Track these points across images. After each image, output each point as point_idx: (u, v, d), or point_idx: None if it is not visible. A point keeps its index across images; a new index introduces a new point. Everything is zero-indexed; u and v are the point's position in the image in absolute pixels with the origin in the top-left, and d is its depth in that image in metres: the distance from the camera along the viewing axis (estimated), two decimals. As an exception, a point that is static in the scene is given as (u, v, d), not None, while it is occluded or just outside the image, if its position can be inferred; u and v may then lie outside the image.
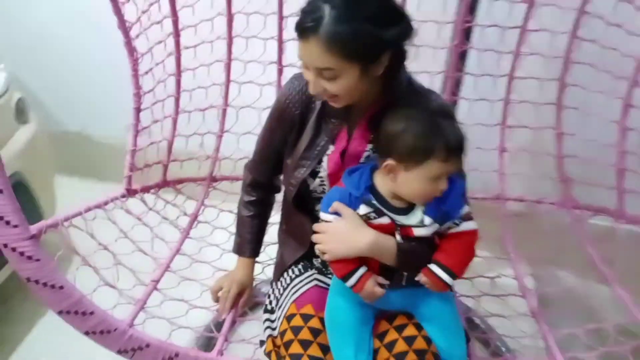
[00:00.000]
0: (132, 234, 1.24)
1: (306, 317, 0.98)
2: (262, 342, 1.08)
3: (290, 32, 1.41)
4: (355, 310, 0.95)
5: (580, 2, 1.32)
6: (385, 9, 0.84)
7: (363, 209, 0.89)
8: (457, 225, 0.90)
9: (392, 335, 0.96)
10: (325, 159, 1.00)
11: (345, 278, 0.91)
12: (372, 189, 0.90)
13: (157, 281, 1.22)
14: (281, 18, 1.40)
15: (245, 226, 1.17)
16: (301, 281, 1.06)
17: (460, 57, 1.44)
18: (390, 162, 0.86)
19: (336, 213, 0.91)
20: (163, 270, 1.25)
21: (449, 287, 0.91)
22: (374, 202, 0.89)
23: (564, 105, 1.46)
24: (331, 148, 0.99)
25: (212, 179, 1.52)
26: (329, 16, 0.80)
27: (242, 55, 1.45)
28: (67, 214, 1.10)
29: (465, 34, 1.40)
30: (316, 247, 0.93)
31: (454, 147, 0.84)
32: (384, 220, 0.89)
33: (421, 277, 0.91)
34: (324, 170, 1.00)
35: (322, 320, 0.99)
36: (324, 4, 0.81)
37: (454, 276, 0.89)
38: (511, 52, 1.42)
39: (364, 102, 0.94)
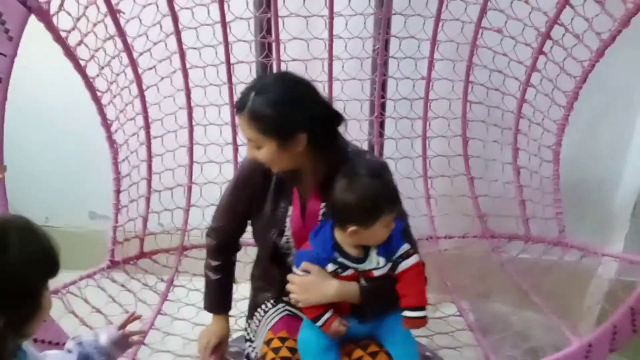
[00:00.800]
0: (119, 299, 1.42)
1: (283, 339, 1.18)
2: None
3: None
4: (324, 340, 1.13)
5: (465, 75, 1.69)
6: (302, 96, 1.05)
7: (331, 267, 1.08)
8: (401, 262, 1.08)
9: (358, 352, 1.14)
10: (288, 220, 1.17)
11: (314, 320, 1.11)
12: (335, 245, 1.08)
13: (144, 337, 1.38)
14: (233, 107, 1.70)
15: (214, 288, 1.29)
16: (274, 312, 1.25)
17: (380, 125, 1.77)
18: (353, 228, 1.03)
19: (305, 272, 1.10)
20: (149, 328, 1.41)
21: (426, 319, 1.08)
22: (339, 259, 1.08)
23: (470, 155, 1.79)
24: (291, 209, 1.17)
25: (184, 248, 1.73)
26: (252, 100, 1.02)
27: (202, 139, 1.73)
28: (65, 282, 1.27)
29: (382, 107, 1.74)
30: (291, 296, 1.12)
31: (395, 199, 1.06)
32: (349, 272, 1.08)
33: (404, 325, 1.09)
34: (289, 229, 1.17)
35: (296, 341, 1.17)
36: (251, 90, 1.04)
37: (423, 308, 1.07)
38: (420, 118, 1.76)
39: (309, 169, 1.12)
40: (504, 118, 1.68)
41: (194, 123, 1.69)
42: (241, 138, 1.75)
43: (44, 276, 0.75)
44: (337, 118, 1.09)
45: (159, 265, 1.65)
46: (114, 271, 1.48)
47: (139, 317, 1.12)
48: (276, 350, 1.17)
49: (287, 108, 1.03)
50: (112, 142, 1.41)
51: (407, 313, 1.08)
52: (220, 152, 1.74)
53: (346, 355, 1.16)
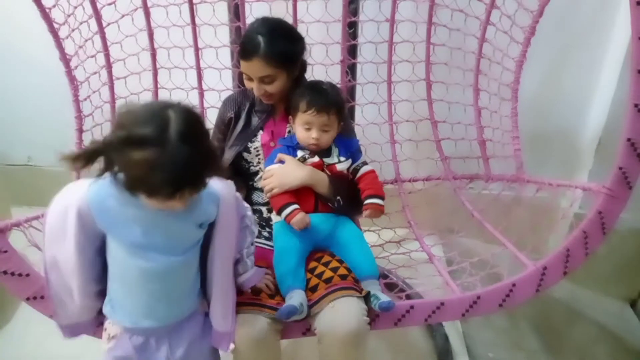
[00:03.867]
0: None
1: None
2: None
3: (206, 61, 1.71)
4: (295, 243, 1.24)
5: (427, 16, 1.71)
6: (292, 32, 1.32)
7: (299, 153, 1.29)
8: (360, 168, 1.33)
9: (320, 268, 1.23)
10: (258, 135, 1.38)
11: (281, 210, 1.22)
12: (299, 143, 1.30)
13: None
14: (197, 49, 1.68)
15: None
16: None
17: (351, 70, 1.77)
18: (290, 117, 1.31)
19: (280, 162, 1.28)
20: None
21: (383, 208, 1.28)
22: (305, 148, 1.28)
23: (433, 99, 1.82)
24: (261, 132, 1.38)
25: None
26: (263, 42, 1.23)
27: (167, 84, 1.71)
28: (28, 217, 1.26)
29: (348, 51, 1.75)
30: (266, 186, 1.26)
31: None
32: (315, 159, 1.29)
33: (365, 213, 1.26)
34: (258, 142, 1.37)
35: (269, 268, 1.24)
36: (257, 35, 1.24)
37: (383, 199, 1.28)
38: (385, 62, 1.78)
39: (282, 96, 1.33)
40: (465, 60, 1.71)
41: (157, 66, 1.68)
42: (207, 83, 1.74)
43: None
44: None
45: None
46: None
47: None
48: None
49: (295, 42, 1.30)
50: (71, 78, 1.39)
51: (370, 200, 1.27)
52: (186, 97, 1.73)
53: (308, 271, 1.24)
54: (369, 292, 1.19)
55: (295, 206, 1.23)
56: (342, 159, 1.31)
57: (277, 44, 1.24)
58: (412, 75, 1.79)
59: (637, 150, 1.13)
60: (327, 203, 1.28)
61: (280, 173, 1.26)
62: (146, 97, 1.68)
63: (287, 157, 1.28)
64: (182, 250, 0.98)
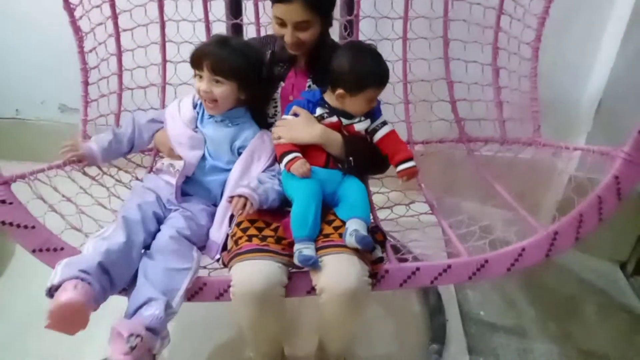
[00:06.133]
0: (91, 190, 1.41)
1: (252, 221, 1.24)
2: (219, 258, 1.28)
3: (214, 14, 1.65)
4: (310, 186, 1.23)
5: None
6: None
7: (319, 111, 1.27)
8: (380, 129, 1.29)
9: (327, 229, 1.22)
10: (279, 86, 1.37)
11: (282, 157, 1.23)
12: (323, 100, 1.28)
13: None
14: (206, 1, 1.63)
15: None
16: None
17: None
18: (340, 91, 1.23)
19: (295, 115, 1.27)
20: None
21: (417, 169, 1.27)
22: (327, 105, 1.27)
23: (450, 57, 1.75)
24: (282, 84, 1.38)
25: (158, 150, 1.70)
26: None
27: (175, 37, 1.67)
28: (33, 170, 1.26)
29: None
30: (275, 134, 1.26)
31: (384, 78, 1.25)
32: (334, 119, 1.27)
33: (401, 181, 1.26)
34: (278, 93, 1.38)
35: (265, 222, 1.24)
36: None
37: (412, 159, 1.27)
38: (401, 18, 1.71)
39: (307, 50, 1.32)
40: (485, 16, 1.63)
41: (165, 18, 1.63)
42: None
43: None
44: None
45: (133, 164, 1.64)
46: (86, 166, 1.46)
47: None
48: (245, 229, 1.19)
49: None
50: (76, 28, 1.36)
51: (402, 166, 1.26)
52: (194, 52, 1.68)
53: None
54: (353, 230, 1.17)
55: (297, 154, 1.23)
56: (361, 118, 1.28)
57: None
58: (428, 32, 1.72)
59: (661, 113, 1.07)
60: (338, 164, 1.27)
61: (292, 127, 1.26)
62: (153, 50, 1.64)
63: (302, 111, 1.27)
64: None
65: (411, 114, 1.80)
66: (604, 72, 1.72)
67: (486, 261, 1.24)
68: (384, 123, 1.30)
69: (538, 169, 1.49)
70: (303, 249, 1.14)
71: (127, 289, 1.14)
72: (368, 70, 1.21)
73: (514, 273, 1.25)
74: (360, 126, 1.28)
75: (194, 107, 1.38)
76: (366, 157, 1.28)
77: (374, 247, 1.21)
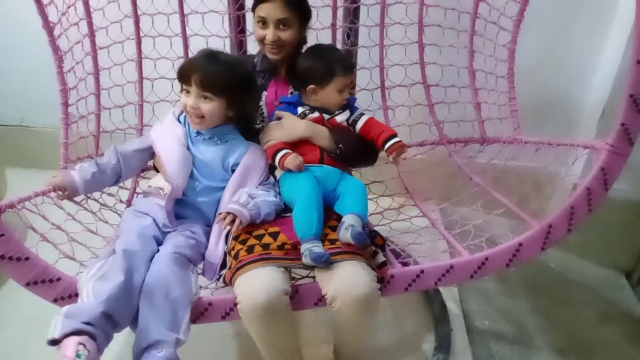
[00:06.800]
0: (78, 217, 1.35)
1: (250, 232, 1.22)
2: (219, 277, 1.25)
3: (192, 28, 1.62)
4: (308, 178, 1.24)
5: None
6: None
7: (300, 109, 1.34)
8: (359, 118, 1.37)
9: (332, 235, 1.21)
10: (262, 95, 1.42)
11: (274, 157, 1.26)
12: (301, 100, 1.36)
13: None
14: (183, 16, 1.60)
15: None
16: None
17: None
18: (311, 86, 1.31)
19: (279, 119, 1.33)
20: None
21: (403, 143, 1.32)
22: (306, 104, 1.34)
23: (426, 62, 1.79)
24: (264, 93, 1.42)
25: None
26: None
27: (151, 53, 1.62)
28: (20, 198, 1.18)
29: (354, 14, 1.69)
30: (261, 139, 1.30)
31: (347, 65, 1.33)
32: (315, 114, 1.33)
33: (391, 157, 1.31)
34: (262, 101, 1.41)
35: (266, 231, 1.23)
36: None
37: (396, 136, 1.32)
38: (377, 25, 1.73)
39: (285, 59, 1.39)
40: (460, 20, 1.68)
41: (141, 34, 1.58)
42: (193, 52, 1.65)
43: None
44: None
45: (116, 186, 1.57)
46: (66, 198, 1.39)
47: None
48: (243, 241, 1.18)
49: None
50: (55, 47, 1.30)
51: (388, 143, 1.31)
52: (172, 67, 1.64)
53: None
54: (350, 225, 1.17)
55: (288, 150, 1.27)
56: (339, 111, 1.36)
57: None
58: (404, 39, 1.75)
59: (639, 106, 1.14)
60: (330, 154, 1.31)
61: (277, 128, 1.32)
62: (130, 67, 1.59)
63: (284, 114, 1.34)
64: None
65: (390, 119, 1.82)
66: (608, 78, 1.76)
67: (486, 258, 1.27)
68: (362, 114, 1.38)
69: (525, 168, 1.52)
70: (313, 247, 1.14)
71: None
72: (331, 60, 1.30)
73: (513, 267, 1.28)
74: (341, 117, 1.36)
75: (180, 122, 1.34)
76: (355, 145, 1.34)
77: (375, 251, 1.22)
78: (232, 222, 1.18)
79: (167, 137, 1.31)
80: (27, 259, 1.09)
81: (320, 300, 1.18)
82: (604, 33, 1.82)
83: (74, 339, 0.94)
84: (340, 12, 1.69)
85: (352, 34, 1.72)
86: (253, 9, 1.36)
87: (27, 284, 1.10)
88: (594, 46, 1.86)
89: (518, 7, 1.53)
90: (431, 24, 1.73)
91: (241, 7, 1.61)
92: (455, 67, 1.75)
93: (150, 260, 1.16)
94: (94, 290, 1.04)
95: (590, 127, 1.87)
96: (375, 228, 1.55)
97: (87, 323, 0.97)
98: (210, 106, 1.22)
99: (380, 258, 1.24)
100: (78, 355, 0.92)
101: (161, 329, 1.04)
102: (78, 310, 1.00)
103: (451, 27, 1.69)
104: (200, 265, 1.28)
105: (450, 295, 1.79)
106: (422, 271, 1.25)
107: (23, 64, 2.15)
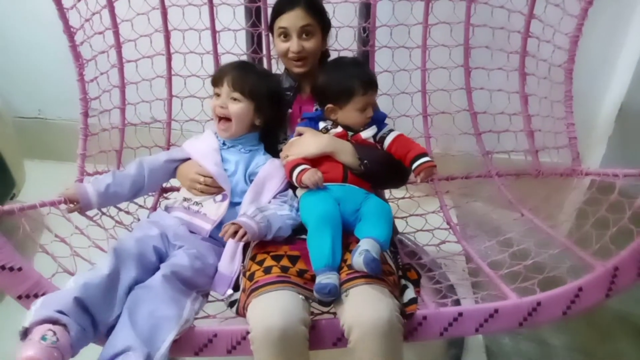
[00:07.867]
0: (87, 232, 1.26)
1: (268, 252, 1.12)
2: (232, 304, 1.12)
3: (223, 46, 1.57)
4: (324, 200, 1.13)
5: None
6: None
7: (322, 124, 1.23)
8: (387, 135, 1.23)
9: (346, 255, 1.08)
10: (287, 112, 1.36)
11: (291, 172, 1.15)
12: (324, 115, 1.25)
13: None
14: (214, 33, 1.55)
15: None
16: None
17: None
18: (329, 106, 1.21)
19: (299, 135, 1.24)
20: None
21: (434, 163, 1.18)
22: (329, 119, 1.23)
23: (472, 87, 1.65)
24: (289, 110, 1.36)
25: (163, 190, 1.57)
26: None
27: (182, 70, 1.57)
28: (22, 205, 1.12)
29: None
30: (281, 154, 1.24)
31: (368, 83, 1.19)
32: (339, 129, 1.22)
33: (419, 177, 1.16)
34: (287, 125, 1.35)
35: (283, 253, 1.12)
36: None
37: (427, 154, 1.18)
38: (419, 47, 1.62)
39: (309, 75, 1.32)
40: (509, 41, 1.54)
41: (172, 50, 1.54)
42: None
43: None
44: None
45: (135, 204, 1.50)
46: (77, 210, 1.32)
47: None
48: (260, 262, 1.08)
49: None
50: (76, 54, 1.26)
51: (417, 162, 1.17)
52: (202, 86, 1.59)
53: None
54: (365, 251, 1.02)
55: (306, 165, 1.16)
56: (364, 127, 1.23)
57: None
58: (448, 61, 1.63)
59: None
60: (354, 171, 1.19)
61: (298, 144, 1.22)
62: (159, 84, 1.54)
63: (305, 129, 1.24)
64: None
65: (432, 149, 1.68)
66: (626, 76, 1.67)
67: (538, 303, 1.07)
68: (391, 130, 1.25)
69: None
70: (322, 280, 1.01)
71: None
72: (349, 78, 1.18)
73: (570, 316, 1.08)
74: (367, 133, 1.23)
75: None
76: (381, 162, 1.21)
77: (405, 285, 1.09)
78: (236, 233, 1.06)
79: (203, 146, 1.30)
80: (20, 269, 1.01)
81: (340, 340, 1.03)
82: (624, 29, 1.73)
83: (45, 326, 0.85)
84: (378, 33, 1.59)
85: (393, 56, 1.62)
86: (271, 25, 1.32)
87: (19, 297, 1.01)
88: (613, 42, 1.76)
89: (575, 22, 1.38)
90: (478, 45, 1.60)
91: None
92: (505, 92, 1.59)
93: (144, 269, 1.07)
94: (75, 279, 0.98)
95: (608, 123, 1.78)
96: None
97: (60, 312, 0.89)
98: (238, 107, 1.23)
99: (410, 294, 1.08)
100: (43, 339, 0.82)
101: (135, 338, 0.92)
102: (53, 297, 0.93)
103: (500, 48, 1.55)
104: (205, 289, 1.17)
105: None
106: (460, 314, 1.07)
107: (41, 58, 2.15)
